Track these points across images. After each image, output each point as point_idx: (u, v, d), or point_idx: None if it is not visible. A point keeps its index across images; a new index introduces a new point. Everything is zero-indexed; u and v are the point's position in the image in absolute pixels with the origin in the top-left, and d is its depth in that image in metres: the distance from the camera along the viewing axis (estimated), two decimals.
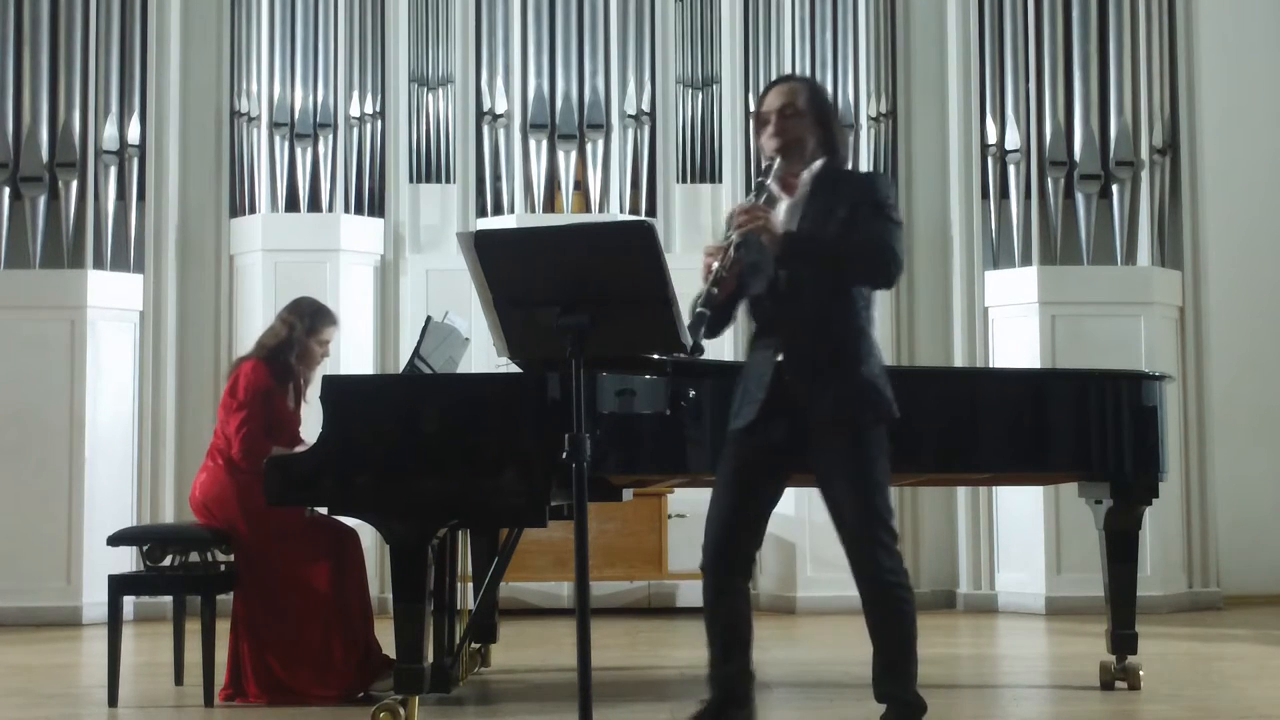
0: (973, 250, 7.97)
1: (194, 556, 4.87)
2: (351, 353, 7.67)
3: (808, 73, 7.98)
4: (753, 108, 3.91)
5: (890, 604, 3.65)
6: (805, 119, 3.69)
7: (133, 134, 7.75)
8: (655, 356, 4.06)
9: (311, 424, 4.25)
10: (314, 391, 4.22)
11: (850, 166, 3.96)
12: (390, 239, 7.98)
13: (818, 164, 3.71)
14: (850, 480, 3.60)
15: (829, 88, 7.97)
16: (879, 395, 3.64)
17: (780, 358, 3.63)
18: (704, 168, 8.25)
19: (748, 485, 3.71)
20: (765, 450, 3.67)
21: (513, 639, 6.27)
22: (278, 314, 5.13)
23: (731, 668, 3.74)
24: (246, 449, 4.80)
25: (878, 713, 3.74)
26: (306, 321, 5.01)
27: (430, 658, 4.30)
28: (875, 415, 3.62)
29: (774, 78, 4.44)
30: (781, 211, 3.67)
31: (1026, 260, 7.83)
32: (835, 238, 3.60)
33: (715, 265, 3.50)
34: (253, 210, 7.86)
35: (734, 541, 3.72)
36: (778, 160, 3.65)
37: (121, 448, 7.57)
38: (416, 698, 4.12)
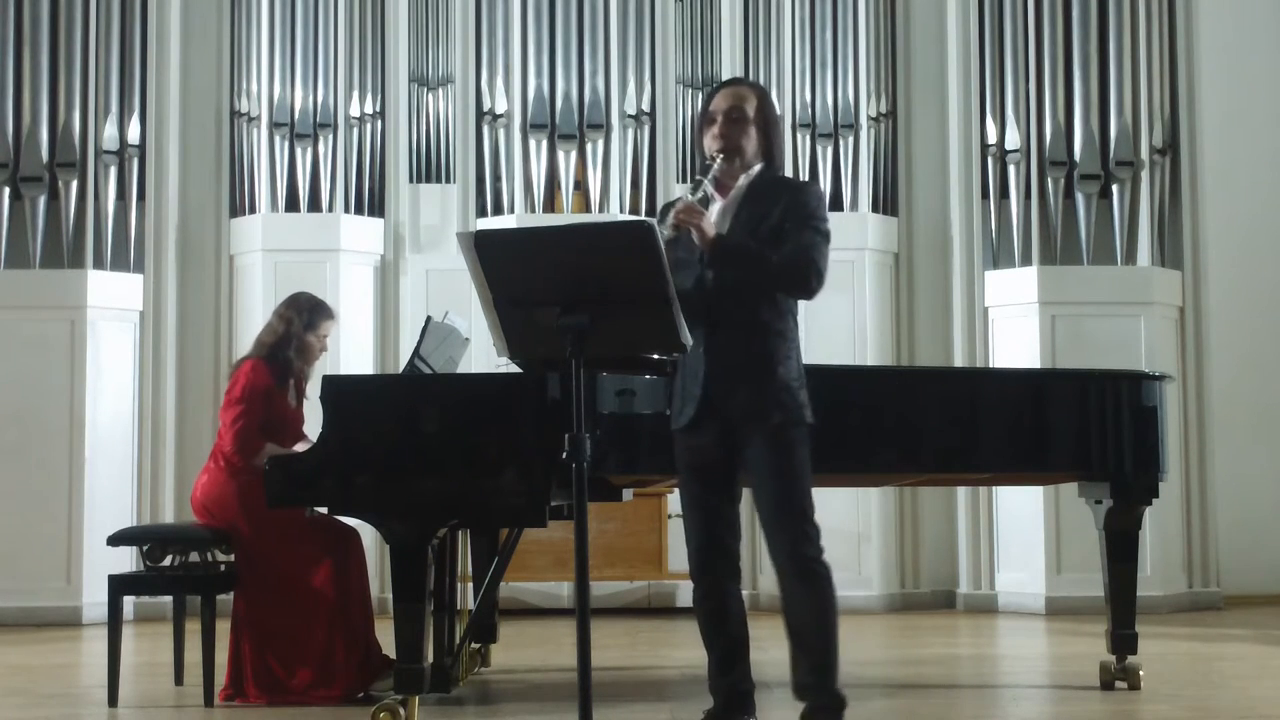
0: (973, 250, 7.97)
1: (194, 556, 4.86)
2: (351, 353, 7.67)
3: (808, 73, 8.00)
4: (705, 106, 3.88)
5: (809, 591, 3.59)
6: (750, 125, 3.72)
7: (133, 134, 7.76)
8: (655, 356, 4.06)
9: (312, 423, 4.26)
10: (314, 390, 4.22)
11: (787, 175, 4.00)
12: (390, 239, 7.98)
13: (754, 170, 3.74)
14: (767, 476, 3.62)
15: (829, 88, 7.99)
16: (791, 398, 3.64)
17: (704, 357, 3.65)
18: (698, 170, 8.22)
19: (708, 483, 3.72)
20: (712, 446, 3.68)
21: (513, 639, 6.27)
22: (274, 310, 5.12)
23: (733, 677, 3.74)
24: (240, 444, 4.80)
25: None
26: (304, 316, 5.01)
27: (430, 658, 4.30)
28: (785, 417, 3.62)
29: (725, 79, 4.44)
30: (714, 213, 3.70)
31: (1026, 260, 7.83)
32: (761, 247, 3.63)
33: None
34: (253, 210, 7.86)
35: (714, 542, 3.72)
36: (718, 161, 3.69)
37: (121, 448, 7.57)
38: (416, 698, 4.12)
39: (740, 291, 3.65)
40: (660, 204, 7.94)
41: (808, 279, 3.62)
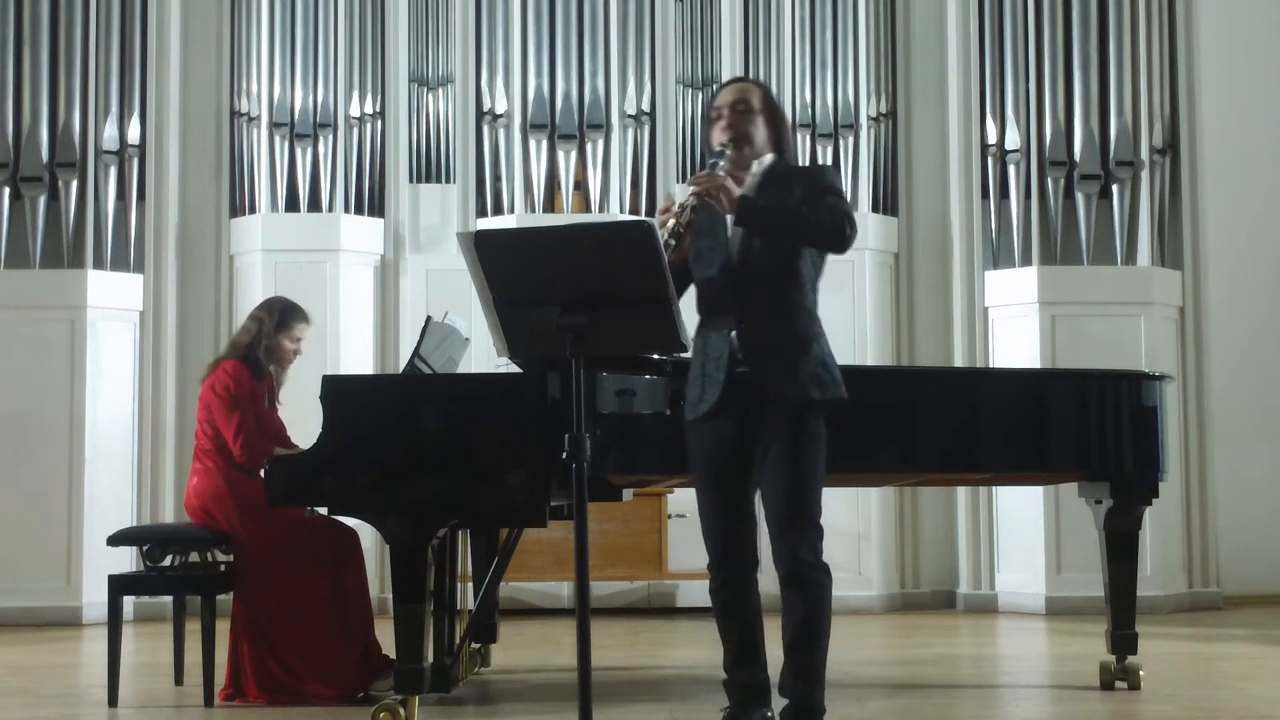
0: (973, 250, 7.97)
1: (194, 556, 4.86)
2: (351, 353, 7.68)
3: (808, 73, 8.00)
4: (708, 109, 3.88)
5: (804, 598, 3.57)
6: (757, 116, 3.72)
7: (133, 134, 7.75)
8: (655, 356, 4.06)
9: (311, 424, 4.25)
10: (314, 391, 4.22)
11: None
12: (390, 239, 7.99)
13: (767, 159, 3.73)
14: (782, 471, 3.57)
15: (829, 88, 7.99)
16: (829, 375, 3.63)
17: (734, 338, 3.61)
18: (703, 167, 8.23)
19: (727, 474, 3.67)
20: (732, 434, 3.63)
21: (513, 639, 6.27)
22: (249, 312, 5.16)
23: (749, 671, 3.70)
24: (249, 452, 4.80)
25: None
26: (275, 317, 5.03)
27: (430, 658, 4.30)
28: (824, 396, 3.60)
29: (727, 79, 4.45)
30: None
31: (1026, 260, 7.83)
32: (793, 204, 3.62)
33: (671, 223, 3.52)
34: (253, 210, 7.86)
35: (733, 536, 3.69)
36: (728, 150, 3.66)
37: (121, 448, 7.57)
38: (416, 698, 4.12)
39: (768, 270, 3.62)
40: (660, 204, 7.97)
41: (841, 228, 3.57)
